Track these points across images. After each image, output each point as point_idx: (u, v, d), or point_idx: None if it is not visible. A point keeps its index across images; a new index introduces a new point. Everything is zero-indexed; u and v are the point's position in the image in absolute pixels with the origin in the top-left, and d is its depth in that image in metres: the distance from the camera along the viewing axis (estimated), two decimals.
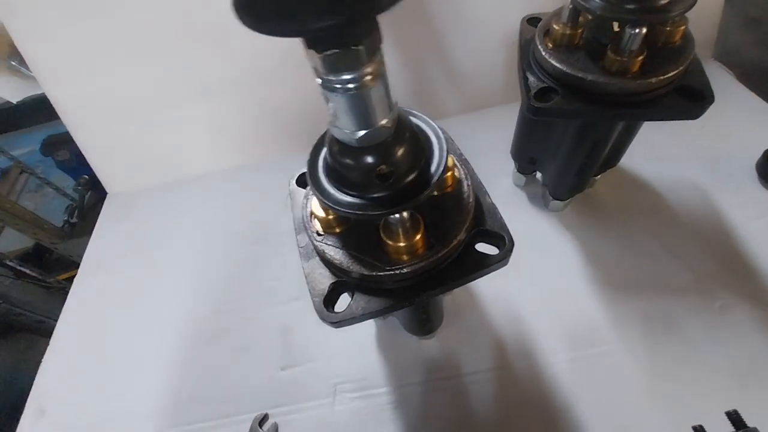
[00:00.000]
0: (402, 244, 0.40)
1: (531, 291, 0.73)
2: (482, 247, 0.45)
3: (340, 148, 0.37)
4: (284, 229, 0.92)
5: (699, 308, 0.67)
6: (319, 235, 0.44)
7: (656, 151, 0.85)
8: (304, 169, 0.57)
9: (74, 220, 2.38)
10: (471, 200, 0.45)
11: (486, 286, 0.75)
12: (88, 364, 0.81)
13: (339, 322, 0.41)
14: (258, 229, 0.94)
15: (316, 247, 0.44)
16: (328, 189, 0.40)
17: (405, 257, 0.41)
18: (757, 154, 0.80)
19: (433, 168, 0.38)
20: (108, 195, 1.12)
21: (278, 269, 0.86)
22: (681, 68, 0.52)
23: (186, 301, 0.84)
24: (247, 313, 0.80)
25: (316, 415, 0.67)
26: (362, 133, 0.34)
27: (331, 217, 0.44)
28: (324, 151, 0.43)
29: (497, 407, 0.64)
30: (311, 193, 0.50)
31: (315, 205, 0.45)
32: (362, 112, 0.33)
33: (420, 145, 0.39)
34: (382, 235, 0.41)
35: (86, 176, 2.36)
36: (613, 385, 0.63)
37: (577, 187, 0.73)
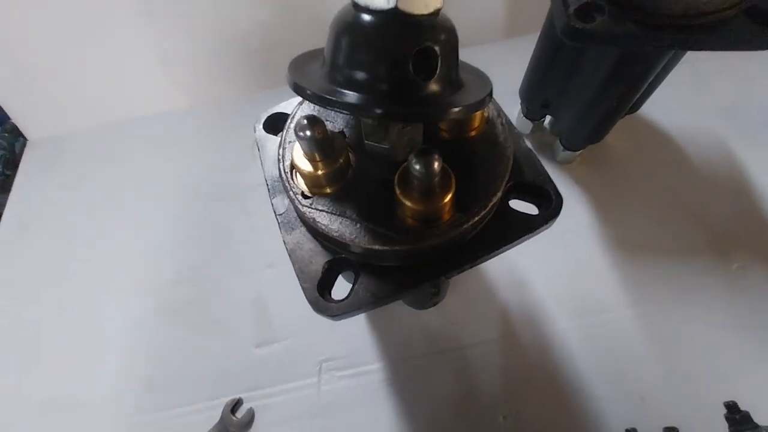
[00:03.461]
0: (425, 208, 0.29)
1: (536, 253, 0.65)
2: (516, 205, 0.36)
3: (367, 20, 0.26)
4: (253, 182, 0.78)
5: (716, 270, 0.62)
6: (305, 197, 0.33)
7: (673, 99, 0.76)
8: (275, 109, 0.44)
9: (9, 172, 2.10)
10: (509, 144, 0.34)
11: None
12: (23, 344, 0.67)
13: (341, 315, 0.30)
14: (220, 182, 0.79)
15: (302, 215, 0.33)
16: (327, 84, 0.28)
17: (426, 223, 0.30)
18: None
19: (476, 90, 0.28)
20: (28, 142, 0.92)
21: (247, 231, 0.73)
22: None
23: (137, 270, 0.71)
24: (213, 283, 0.68)
25: (299, 398, 0.59)
26: None
27: (320, 171, 0.32)
28: (316, 60, 0.30)
29: (503, 379, 0.58)
30: (288, 140, 0.37)
31: (297, 155, 0.33)
32: None
33: (458, 60, 0.28)
34: (398, 194, 0.29)
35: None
36: (627, 352, 0.58)
37: (597, 136, 0.64)
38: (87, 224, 0.77)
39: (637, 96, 0.56)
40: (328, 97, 0.26)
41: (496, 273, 0.65)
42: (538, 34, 0.60)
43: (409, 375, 0.59)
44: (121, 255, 0.73)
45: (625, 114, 0.66)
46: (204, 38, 0.82)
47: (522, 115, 0.72)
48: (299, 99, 0.41)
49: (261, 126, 0.42)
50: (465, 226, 0.30)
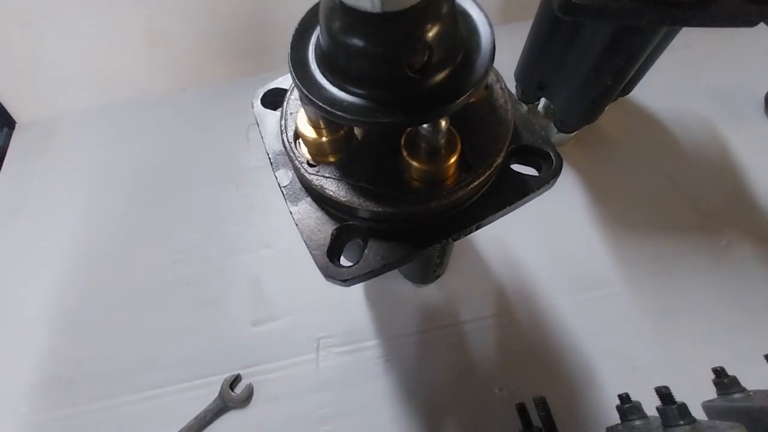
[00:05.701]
0: (431, 168, 0.30)
1: (532, 233, 0.67)
2: (517, 170, 0.37)
3: (352, 20, 0.24)
4: (247, 165, 0.78)
5: (704, 246, 0.64)
6: (311, 165, 0.33)
7: (662, 83, 0.77)
8: (272, 84, 0.44)
9: None
10: (509, 107, 0.35)
11: (484, 228, 0.67)
12: (14, 326, 0.66)
13: (352, 279, 0.31)
14: (214, 164, 0.79)
15: (307, 184, 0.33)
16: (327, 87, 0.28)
17: (432, 185, 0.31)
18: (766, 87, 0.75)
19: (476, 63, 0.28)
20: (17, 125, 0.90)
21: (243, 212, 0.73)
22: None
23: (133, 251, 0.70)
24: (210, 263, 0.68)
25: (297, 373, 0.59)
26: None
27: (325, 138, 0.32)
28: (316, 33, 0.30)
29: (499, 353, 0.60)
30: (290, 111, 0.37)
31: (302, 122, 0.33)
32: None
33: (458, 26, 0.27)
34: (405, 155, 0.30)
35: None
36: (619, 326, 0.60)
37: (591, 116, 0.65)
38: (79, 207, 0.76)
39: (632, 73, 0.57)
40: (331, 110, 0.26)
41: (492, 252, 0.66)
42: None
43: (407, 351, 0.60)
44: (115, 237, 0.72)
45: (618, 96, 0.68)
46: (195, 20, 0.81)
47: (517, 98, 0.73)
48: None
49: (259, 101, 0.42)
50: (470, 186, 0.31)
